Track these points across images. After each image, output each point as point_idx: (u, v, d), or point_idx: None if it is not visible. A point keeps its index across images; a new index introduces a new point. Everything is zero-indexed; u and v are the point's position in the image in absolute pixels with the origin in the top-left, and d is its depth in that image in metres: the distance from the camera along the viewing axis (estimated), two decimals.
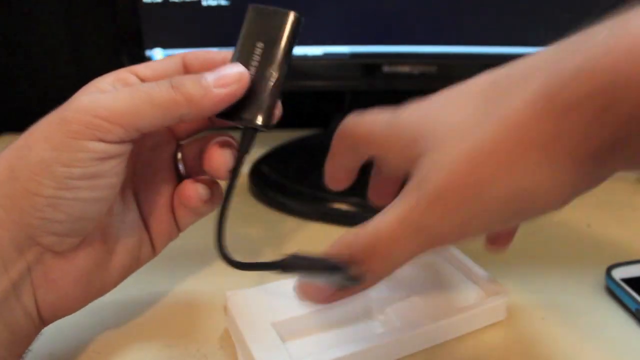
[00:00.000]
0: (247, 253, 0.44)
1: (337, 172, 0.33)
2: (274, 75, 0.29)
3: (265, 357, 0.29)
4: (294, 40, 0.29)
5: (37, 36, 0.63)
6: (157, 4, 0.47)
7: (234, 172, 0.30)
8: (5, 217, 0.27)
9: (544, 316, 0.36)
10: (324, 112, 0.68)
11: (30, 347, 0.30)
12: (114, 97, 0.27)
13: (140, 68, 0.30)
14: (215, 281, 0.40)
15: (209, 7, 0.48)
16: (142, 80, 0.30)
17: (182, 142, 0.34)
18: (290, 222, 0.49)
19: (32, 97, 0.69)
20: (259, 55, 0.29)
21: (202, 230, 0.32)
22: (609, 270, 0.38)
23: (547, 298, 0.38)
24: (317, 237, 0.46)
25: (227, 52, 0.30)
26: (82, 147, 0.26)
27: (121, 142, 0.27)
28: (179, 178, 0.34)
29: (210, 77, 0.28)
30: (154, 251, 0.34)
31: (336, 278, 0.27)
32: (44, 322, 0.30)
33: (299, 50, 0.49)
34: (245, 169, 0.56)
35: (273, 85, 0.29)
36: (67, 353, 0.33)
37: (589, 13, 0.46)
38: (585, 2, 0.46)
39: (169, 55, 0.32)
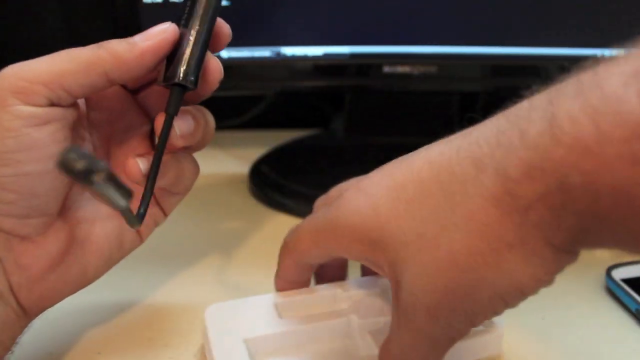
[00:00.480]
0: (246, 252, 0.44)
1: (290, 286, 0.33)
2: (195, 28, 0.29)
3: None
4: None
5: (37, 36, 0.63)
6: (157, 4, 0.47)
7: (162, 137, 0.29)
8: None
9: (544, 316, 0.36)
10: (324, 112, 0.68)
11: (17, 340, 0.30)
12: (37, 60, 0.27)
13: None
14: (217, 281, 0.40)
15: None
16: None
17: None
18: (290, 222, 0.49)
19: None
20: (186, 13, 0.29)
21: (203, 232, 0.33)
22: (609, 270, 0.38)
23: (547, 298, 0.38)
24: None
25: None
26: (9, 115, 0.26)
27: (50, 104, 0.26)
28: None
29: (137, 37, 0.28)
30: (140, 237, 0.33)
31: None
32: (26, 312, 0.30)
33: (299, 51, 0.49)
34: (245, 169, 0.56)
35: (193, 40, 0.29)
36: (67, 353, 0.33)
37: (588, 12, 0.46)
38: (585, 2, 0.46)
39: None
